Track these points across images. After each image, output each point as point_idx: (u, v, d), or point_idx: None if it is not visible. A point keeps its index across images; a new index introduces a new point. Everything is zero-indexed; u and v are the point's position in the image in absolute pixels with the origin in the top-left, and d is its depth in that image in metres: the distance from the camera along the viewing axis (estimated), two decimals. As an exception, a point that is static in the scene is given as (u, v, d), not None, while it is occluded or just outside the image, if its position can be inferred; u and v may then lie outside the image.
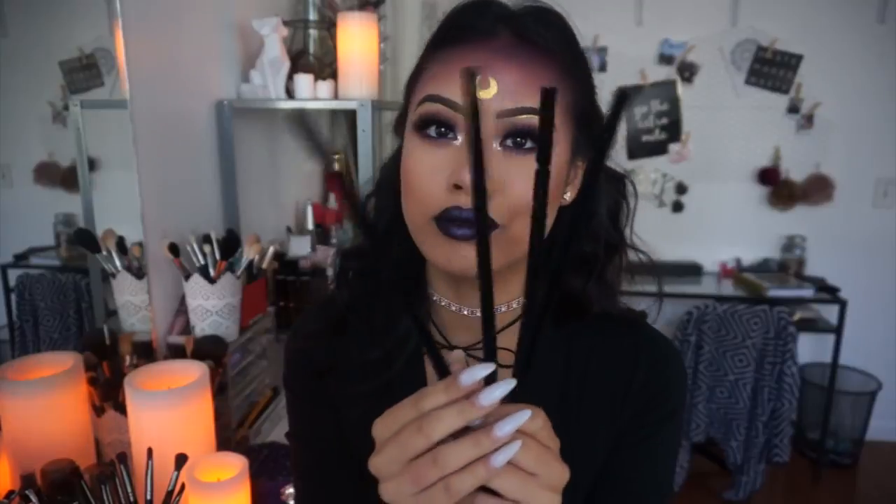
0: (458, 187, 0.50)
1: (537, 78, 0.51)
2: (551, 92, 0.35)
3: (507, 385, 0.38)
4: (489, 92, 0.50)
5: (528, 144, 0.51)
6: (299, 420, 0.70)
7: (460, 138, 0.52)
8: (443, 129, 0.52)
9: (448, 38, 0.54)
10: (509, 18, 0.54)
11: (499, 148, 0.51)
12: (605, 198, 0.63)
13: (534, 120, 0.50)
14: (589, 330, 0.63)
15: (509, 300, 0.61)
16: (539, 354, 0.59)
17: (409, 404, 0.39)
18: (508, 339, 0.57)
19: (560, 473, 0.39)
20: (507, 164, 0.51)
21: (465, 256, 0.51)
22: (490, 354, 0.39)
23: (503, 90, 0.50)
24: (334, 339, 0.65)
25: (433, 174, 0.51)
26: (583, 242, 0.62)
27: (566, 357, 0.62)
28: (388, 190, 0.63)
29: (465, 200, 0.50)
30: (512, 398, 0.39)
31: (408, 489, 0.38)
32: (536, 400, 0.61)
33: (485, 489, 0.38)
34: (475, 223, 0.38)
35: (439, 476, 0.37)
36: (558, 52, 0.53)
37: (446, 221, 0.51)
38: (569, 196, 0.58)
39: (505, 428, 0.37)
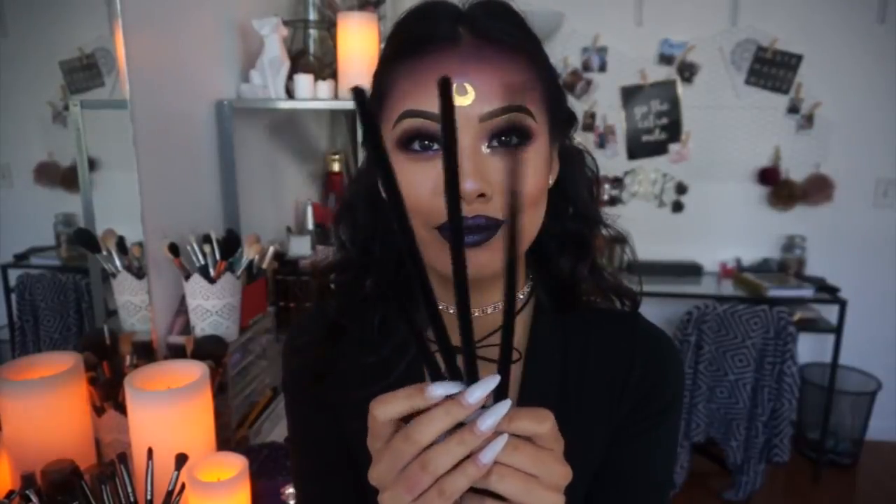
0: None
1: (509, 76, 0.52)
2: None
3: (491, 381, 0.38)
4: (468, 98, 0.51)
5: (514, 140, 0.52)
6: (299, 426, 0.70)
7: None
8: (426, 142, 0.52)
9: (410, 49, 0.54)
10: (466, 20, 0.54)
11: (487, 150, 0.52)
12: (581, 178, 0.65)
13: (516, 117, 0.52)
14: (585, 326, 0.63)
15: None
16: (538, 351, 0.62)
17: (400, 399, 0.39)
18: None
19: (561, 473, 0.39)
20: (499, 164, 0.52)
21: (473, 262, 0.52)
22: (472, 375, 0.39)
23: (480, 94, 0.51)
24: (331, 346, 0.65)
25: (427, 187, 0.52)
26: (568, 223, 0.63)
27: (563, 354, 0.62)
28: (366, 202, 0.64)
29: (466, 209, 0.50)
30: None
31: (403, 498, 0.38)
32: (536, 397, 0.63)
33: (491, 495, 0.38)
34: (451, 231, 0.37)
35: (431, 480, 0.37)
36: (520, 44, 0.54)
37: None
38: (551, 180, 0.60)
39: (487, 421, 0.37)
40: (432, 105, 0.50)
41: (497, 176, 0.51)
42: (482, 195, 0.50)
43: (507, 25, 0.54)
